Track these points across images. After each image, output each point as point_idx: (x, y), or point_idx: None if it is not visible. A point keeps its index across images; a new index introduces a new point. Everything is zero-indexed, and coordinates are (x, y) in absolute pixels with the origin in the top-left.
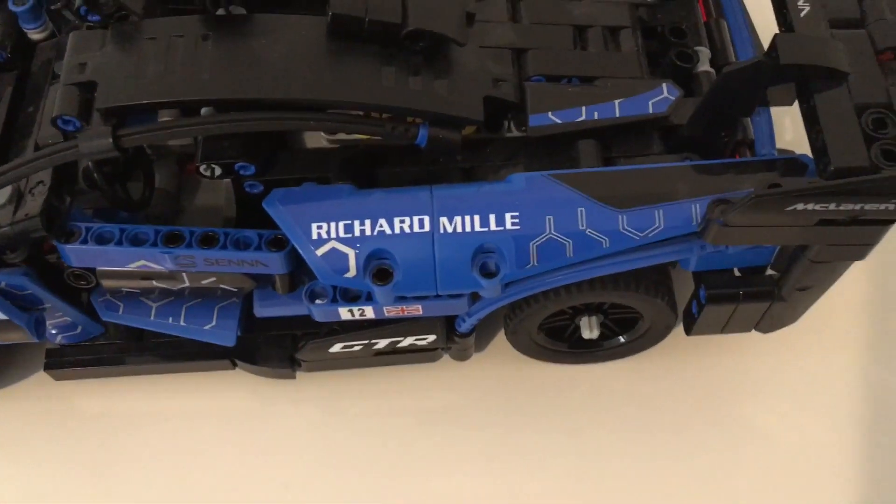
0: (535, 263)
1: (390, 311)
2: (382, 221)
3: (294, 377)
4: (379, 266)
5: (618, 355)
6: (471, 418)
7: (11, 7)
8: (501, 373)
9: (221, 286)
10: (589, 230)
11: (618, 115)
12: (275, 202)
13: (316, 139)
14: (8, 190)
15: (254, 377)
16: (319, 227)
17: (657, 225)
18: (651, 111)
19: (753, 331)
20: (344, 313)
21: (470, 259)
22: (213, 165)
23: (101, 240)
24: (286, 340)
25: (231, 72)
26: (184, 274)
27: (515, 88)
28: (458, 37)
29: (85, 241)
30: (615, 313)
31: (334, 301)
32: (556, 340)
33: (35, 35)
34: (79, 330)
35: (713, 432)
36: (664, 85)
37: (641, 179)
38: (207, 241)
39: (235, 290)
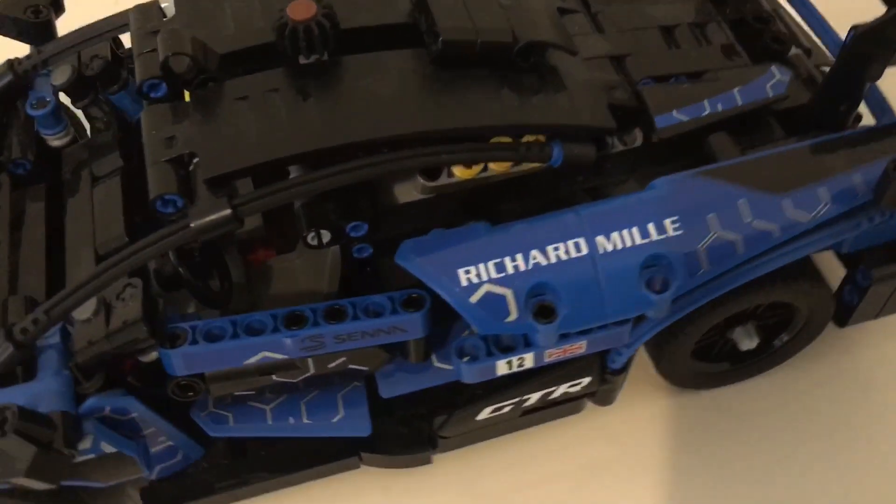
0: (707, 268)
1: (552, 355)
2: (535, 253)
3: (430, 461)
4: (539, 303)
5: (777, 360)
6: (631, 465)
7: (30, 111)
8: (648, 411)
9: (351, 366)
10: (756, 221)
11: (740, 103)
12: (409, 254)
13: (407, 192)
14: (92, 303)
15: (381, 472)
16: (467, 272)
17: (824, 203)
18: (771, 94)
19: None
20: (502, 367)
21: (637, 276)
22: (321, 231)
23: (212, 337)
24: (417, 421)
25: (344, 116)
26: (309, 360)
27: (630, 94)
28: (568, 45)
29: (195, 342)
30: (767, 317)
31: (490, 355)
32: (717, 362)
33: (56, 141)
34: (179, 457)
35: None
36: (773, 67)
37: (793, 160)
38: (335, 316)
39: (365, 369)
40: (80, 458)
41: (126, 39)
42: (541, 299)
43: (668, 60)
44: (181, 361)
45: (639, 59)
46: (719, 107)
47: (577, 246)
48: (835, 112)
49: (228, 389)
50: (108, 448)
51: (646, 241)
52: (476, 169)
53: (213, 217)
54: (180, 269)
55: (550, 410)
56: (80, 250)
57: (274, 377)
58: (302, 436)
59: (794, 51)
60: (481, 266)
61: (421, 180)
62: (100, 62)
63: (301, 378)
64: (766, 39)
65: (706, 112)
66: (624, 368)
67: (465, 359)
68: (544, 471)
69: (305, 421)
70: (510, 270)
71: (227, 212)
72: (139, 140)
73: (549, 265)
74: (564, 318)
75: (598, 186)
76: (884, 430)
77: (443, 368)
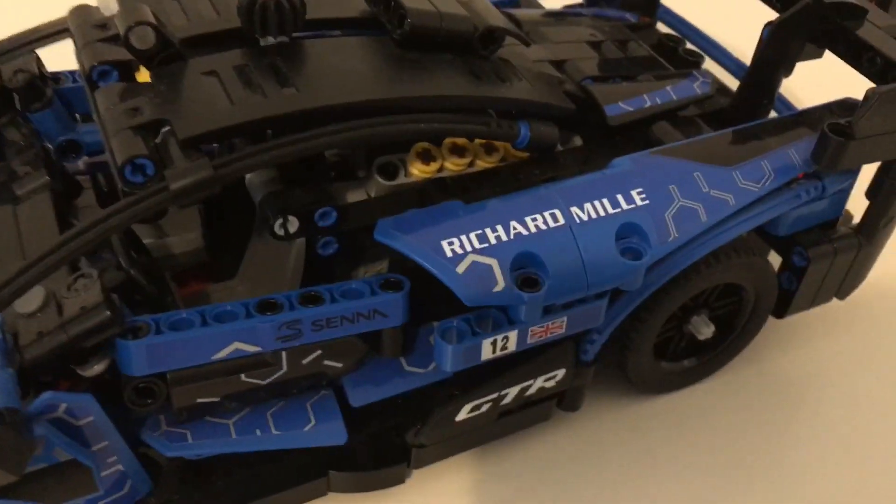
0: (676, 235)
1: (535, 334)
2: (515, 223)
3: (403, 480)
4: (524, 275)
5: (730, 354)
6: (600, 468)
7: None
8: (610, 418)
9: (327, 362)
10: (713, 191)
11: (675, 98)
12: (389, 230)
13: (359, 194)
14: (38, 296)
15: (351, 498)
16: (451, 244)
17: (767, 174)
18: (699, 92)
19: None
20: (486, 349)
21: (614, 244)
22: (290, 218)
23: (179, 327)
24: (388, 435)
25: (317, 84)
26: (283, 354)
27: (577, 88)
28: (522, 36)
29: (159, 333)
30: (718, 307)
31: (477, 335)
32: (677, 360)
33: None
34: (125, 489)
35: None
36: (694, 72)
37: (735, 140)
38: (312, 301)
39: (340, 366)
40: (30, 468)
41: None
42: (525, 272)
43: (602, 65)
44: (144, 356)
45: (576, 63)
46: (658, 100)
47: (553, 216)
48: (755, 107)
49: (192, 396)
50: (61, 455)
51: (617, 210)
52: (433, 167)
53: (194, 178)
54: (131, 272)
55: (523, 414)
56: (9, 263)
57: (243, 377)
58: (270, 448)
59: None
60: (464, 237)
61: (379, 179)
62: (24, 76)
63: (271, 379)
64: (681, 53)
65: (647, 104)
66: (594, 361)
67: (449, 342)
68: (520, 483)
69: (274, 432)
70: (493, 241)
71: (209, 172)
72: (63, 165)
73: (530, 235)
74: (549, 289)
75: (554, 177)
76: (821, 422)
77: (415, 372)
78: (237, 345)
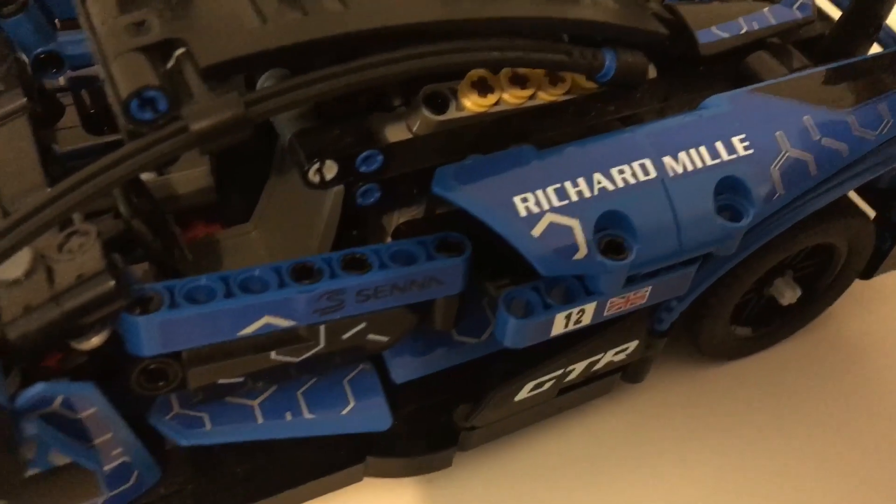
0: (782, 192)
1: (614, 306)
2: (598, 176)
3: (450, 463)
4: (607, 238)
5: (814, 313)
6: (662, 444)
7: None
8: (673, 390)
9: (371, 336)
10: (825, 139)
11: (773, 23)
12: (449, 181)
13: (401, 130)
14: (24, 259)
15: (390, 485)
16: (525, 201)
17: (886, 120)
18: (800, 16)
19: None
20: (559, 324)
21: (712, 202)
22: (327, 162)
23: (198, 298)
24: (433, 414)
25: (365, 3)
26: (321, 328)
27: (665, 8)
28: None
29: (174, 306)
30: (803, 267)
31: (549, 308)
32: (758, 323)
33: None
34: (132, 480)
35: None
36: None
37: (846, 77)
38: (356, 266)
39: (386, 339)
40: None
41: None
42: (607, 234)
43: None
44: (157, 334)
45: None
46: (755, 25)
47: (644, 168)
48: (862, 37)
49: (212, 376)
50: (57, 460)
51: (717, 161)
52: (490, 99)
53: (220, 117)
54: (132, 222)
55: (585, 390)
56: None
57: (273, 354)
58: (302, 436)
59: None
60: (539, 193)
61: (426, 113)
62: None
63: (305, 356)
64: None
65: (743, 30)
66: (668, 331)
67: (517, 316)
68: (574, 453)
69: (307, 416)
70: (574, 197)
71: (240, 110)
72: (41, 82)
73: (617, 190)
74: (638, 255)
75: (631, 116)
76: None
77: (466, 343)
78: (268, 319)
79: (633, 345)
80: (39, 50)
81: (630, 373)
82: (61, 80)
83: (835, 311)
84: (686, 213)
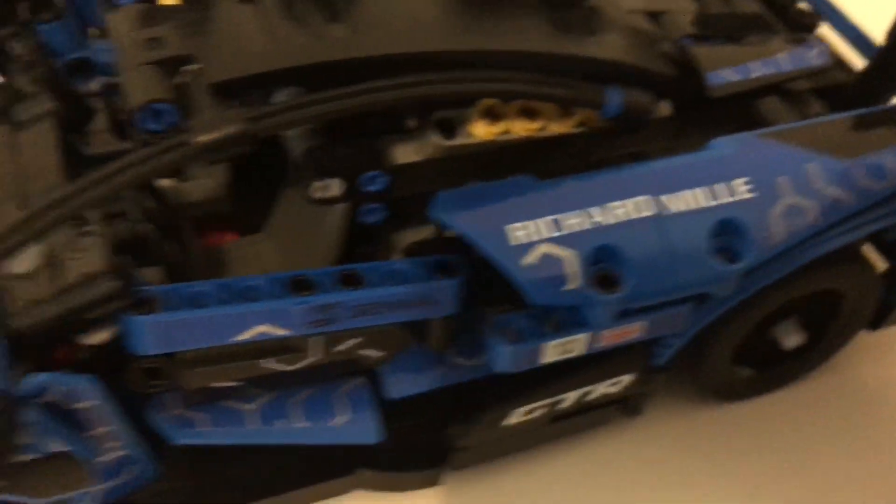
0: (781, 238)
1: (606, 339)
2: (594, 211)
3: (436, 482)
4: (600, 272)
5: (820, 360)
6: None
7: None
8: (670, 426)
9: (364, 351)
10: (829, 188)
11: (786, 69)
12: (448, 207)
13: (410, 152)
14: (35, 253)
15: (377, 497)
16: (519, 229)
17: (892, 172)
18: (817, 63)
19: None
20: (550, 352)
21: (708, 242)
22: (332, 180)
23: (197, 303)
24: (425, 432)
25: (375, 29)
26: (315, 340)
27: (676, 48)
28: None
29: (174, 308)
30: (809, 311)
31: (540, 336)
32: (766, 367)
33: None
34: (129, 473)
35: None
36: (812, 37)
37: (858, 126)
38: (351, 282)
39: (379, 356)
40: (19, 457)
41: None
42: (601, 267)
43: (704, 22)
44: (155, 335)
45: (675, 17)
46: (767, 70)
47: (641, 205)
48: (886, 89)
49: (204, 380)
50: (55, 445)
51: (716, 203)
52: (499, 128)
53: (224, 132)
54: (145, 228)
55: (579, 420)
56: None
57: (266, 362)
58: (292, 443)
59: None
60: (535, 223)
61: (436, 138)
62: None
63: (298, 366)
64: (792, 12)
65: (755, 74)
66: (667, 366)
67: (507, 342)
68: (569, 489)
69: (299, 425)
70: (568, 230)
71: (242, 126)
72: (71, 87)
73: (613, 226)
74: (634, 288)
75: (639, 153)
76: None
77: (461, 364)
78: (263, 327)
79: (627, 378)
80: (71, 56)
81: (628, 406)
82: (94, 86)
83: (843, 358)
84: (681, 252)
